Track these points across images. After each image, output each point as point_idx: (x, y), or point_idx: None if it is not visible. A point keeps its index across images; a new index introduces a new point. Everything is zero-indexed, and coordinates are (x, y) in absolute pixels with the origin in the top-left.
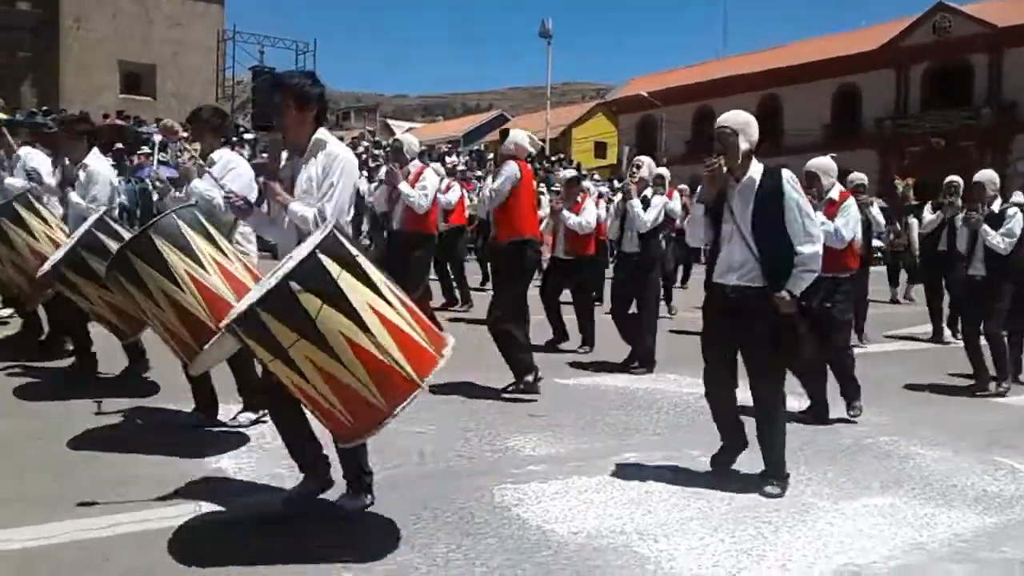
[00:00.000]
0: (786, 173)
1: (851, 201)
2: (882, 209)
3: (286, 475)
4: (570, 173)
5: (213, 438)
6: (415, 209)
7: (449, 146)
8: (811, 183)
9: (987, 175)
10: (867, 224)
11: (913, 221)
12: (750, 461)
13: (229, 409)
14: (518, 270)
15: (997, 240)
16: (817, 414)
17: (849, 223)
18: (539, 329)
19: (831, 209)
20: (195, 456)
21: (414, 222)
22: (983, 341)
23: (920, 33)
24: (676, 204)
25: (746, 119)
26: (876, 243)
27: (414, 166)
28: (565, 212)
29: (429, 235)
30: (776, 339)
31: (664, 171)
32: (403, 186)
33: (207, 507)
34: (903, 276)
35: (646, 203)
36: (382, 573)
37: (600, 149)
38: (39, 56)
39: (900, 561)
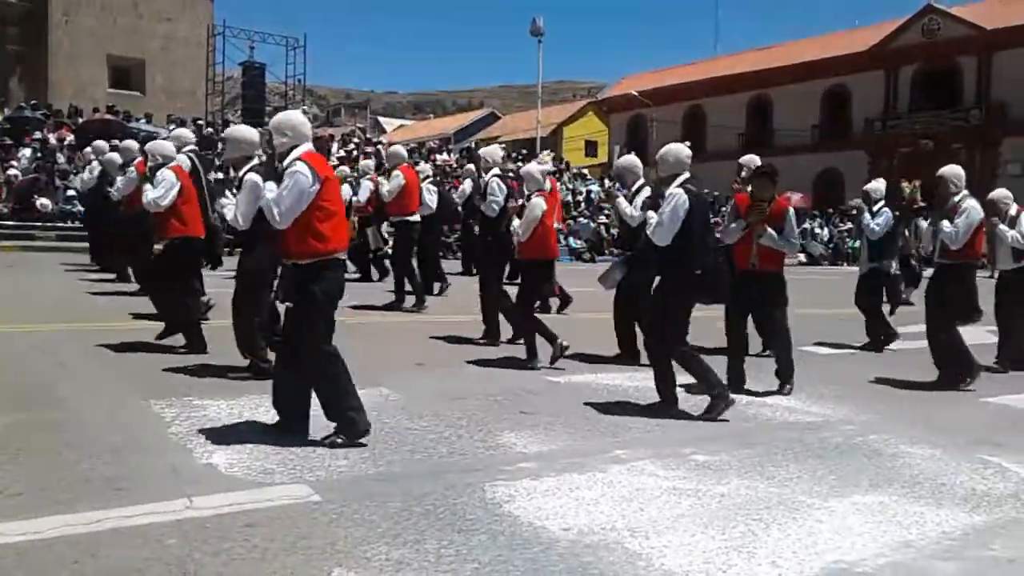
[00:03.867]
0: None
1: (297, 167)
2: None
3: (277, 471)
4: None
5: (204, 434)
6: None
7: (439, 143)
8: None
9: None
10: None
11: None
12: (740, 461)
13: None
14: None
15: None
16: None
17: (285, 193)
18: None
19: None
20: (186, 451)
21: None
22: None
23: (909, 35)
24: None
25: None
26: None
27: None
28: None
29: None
30: None
31: (425, 167)
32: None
33: (198, 502)
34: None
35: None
36: (373, 569)
37: (591, 148)
38: (28, 50)
39: (889, 559)
